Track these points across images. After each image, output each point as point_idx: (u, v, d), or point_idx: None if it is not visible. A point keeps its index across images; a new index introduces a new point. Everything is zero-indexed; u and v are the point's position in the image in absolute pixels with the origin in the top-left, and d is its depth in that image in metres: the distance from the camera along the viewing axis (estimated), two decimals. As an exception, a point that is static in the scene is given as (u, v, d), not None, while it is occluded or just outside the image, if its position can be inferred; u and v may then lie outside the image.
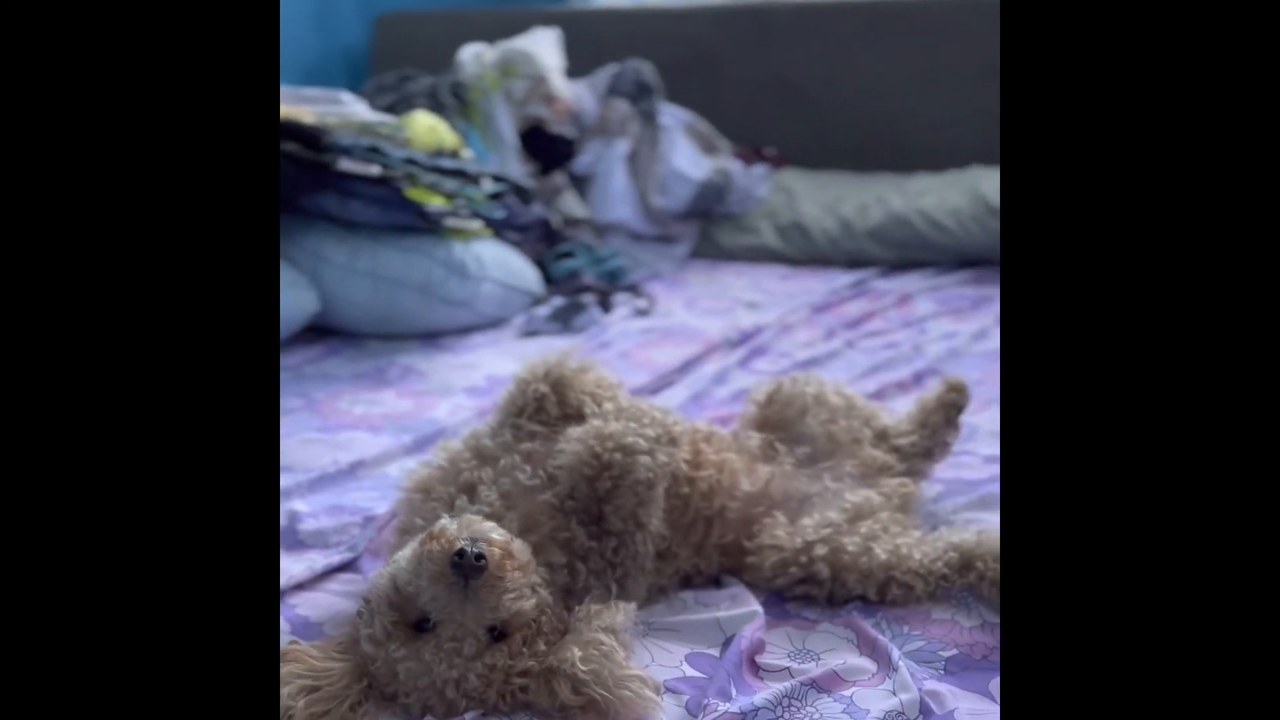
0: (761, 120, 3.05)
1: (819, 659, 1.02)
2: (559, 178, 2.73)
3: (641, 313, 2.28)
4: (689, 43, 3.08)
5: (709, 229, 2.79)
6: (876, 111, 2.97)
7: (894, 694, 0.95)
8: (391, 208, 2.06)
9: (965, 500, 1.32)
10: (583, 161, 2.78)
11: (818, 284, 2.47)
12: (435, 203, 2.09)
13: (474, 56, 2.82)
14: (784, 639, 1.06)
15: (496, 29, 3.00)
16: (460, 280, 2.09)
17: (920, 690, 0.95)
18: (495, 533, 0.94)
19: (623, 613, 0.97)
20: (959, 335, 2.05)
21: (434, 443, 1.39)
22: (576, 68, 2.93)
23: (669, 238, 2.75)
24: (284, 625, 1.05)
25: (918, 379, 1.82)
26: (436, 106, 2.65)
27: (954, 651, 1.03)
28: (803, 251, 2.68)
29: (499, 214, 2.24)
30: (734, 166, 2.79)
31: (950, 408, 1.33)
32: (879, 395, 1.72)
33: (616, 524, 1.04)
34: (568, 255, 2.48)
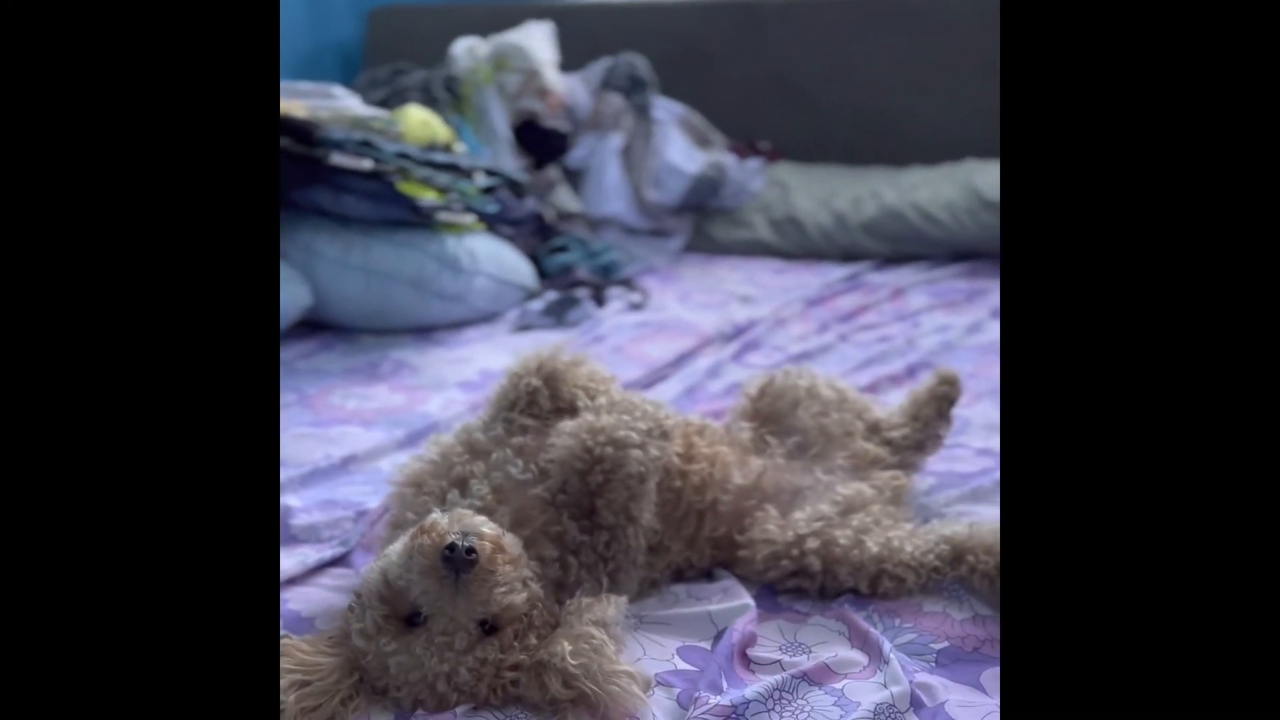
0: (755, 114, 3.04)
1: (810, 652, 1.02)
2: (552, 172, 2.72)
3: (635, 307, 2.27)
4: (682, 36, 3.07)
5: (703, 223, 2.79)
6: (870, 105, 2.97)
7: (885, 686, 0.95)
8: (384, 202, 2.06)
9: (957, 493, 1.32)
10: (576, 155, 2.77)
11: (811, 278, 2.47)
12: (428, 197, 2.09)
13: (467, 50, 2.82)
14: (775, 632, 1.06)
15: (489, 23, 3.00)
16: (453, 275, 2.08)
17: (911, 682, 0.95)
18: (486, 527, 0.94)
19: (614, 606, 0.97)
20: (952, 328, 2.05)
21: (426, 437, 1.39)
22: (570, 61, 2.92)
23: (663, 232, 2.75)
24: (275, 620, 1.05)
25: (911, 372, 1.83)
26: (429, 101, 2.64)
27: (945, 644, 1.03)
28: (797, 245, 2.68)
29: (492, 208, 2.23)
30: (728, 160, 2.78)
31: (942, 400, 1.33)
32: (872, 388, 1.73)
33: (608, 518, 1.04)
34: (561, 249, 2.47)
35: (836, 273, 2.50)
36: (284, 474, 1.39)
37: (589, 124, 2.79)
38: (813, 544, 1.10)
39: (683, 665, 1.00)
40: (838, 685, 0.96)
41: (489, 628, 0.92)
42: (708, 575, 1.16)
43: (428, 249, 2.08)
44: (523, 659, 0.92)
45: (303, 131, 2.00)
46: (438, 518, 0.94)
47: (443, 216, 2.10)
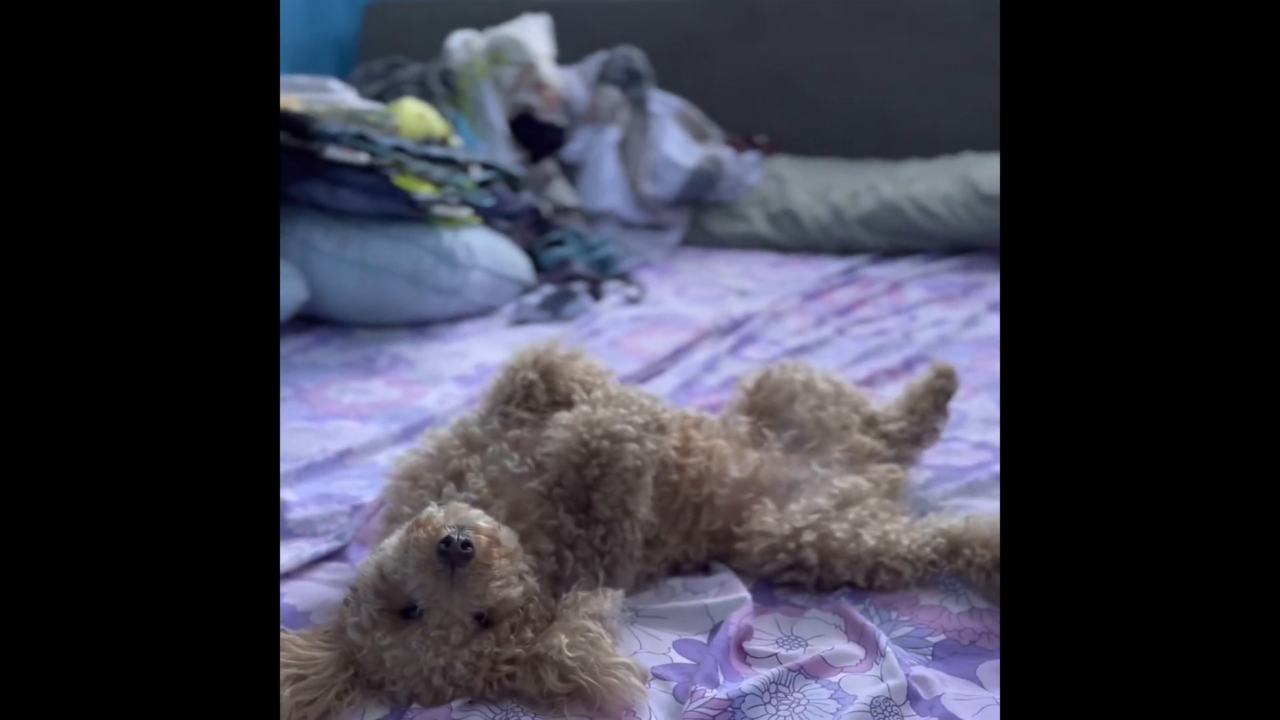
0: (752, 108, 3.04)
1: (807, 645, 1.02)
2: (549, 165, 2.72)
3: (632, 301, 2.27)
4: (679, 30, 3.06)
5: (700, 216, 2.78)
6: (867, 99, 2.96)
7: (881, 680, 0.95)
8: (380, 196, 2.05)
9: (954, 486, 1.32)
10: (573, 149, 2.77)
11: (808, 271, 2.47)
12: (424, 191, 2.08)
13: (463, 44, 2.81)
14: (772, 625, 1.06)
15: (486, 16, 2.99)
16: (449, 268, 2.08)
17: (908, 675, 0.95)
18: (482, 520, 0.94)
19: (610, 600, 0.97)
20: (949, 322, 2.05)
21: (422, 431, 1.39)
22: (566, 55, 2.91)
23: (660, 225, 2.74)
24: (271, 614, 1.05)
25: (908, 366, 1.82)
26: (426, 94, 2.64)
27: (942, 637, 1.03)
28: (793, 239, 2.68)
29: (488, 202, 2.23)
30: (725, 154, 2.78)
31: (939, 394, 1.33)
32: (869, 382, 1.72)
33: (605, 512, 1.04)
34: (558, 243, 2.47)
35: (833, 266, 2.50)
36: (280, 468, 1.39)
37: (585, 118, 2.79)
38: (809, 537, 1.10)
39: (679, 659, 1.00)
40: (834, 678, 0.96)
41: (485, 621, 0.92)
42: (704, 569, 1.16)
43: (424, 243, 2.08)
44: (519, 653, 0.92)
45: (298, 125, 1.99)
46: (433, 511, 0.94)
47: (439, 210, 2.10)
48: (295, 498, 1.31)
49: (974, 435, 1.50)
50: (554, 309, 2.17)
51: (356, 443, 1.49)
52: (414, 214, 2.08)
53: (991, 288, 2.25)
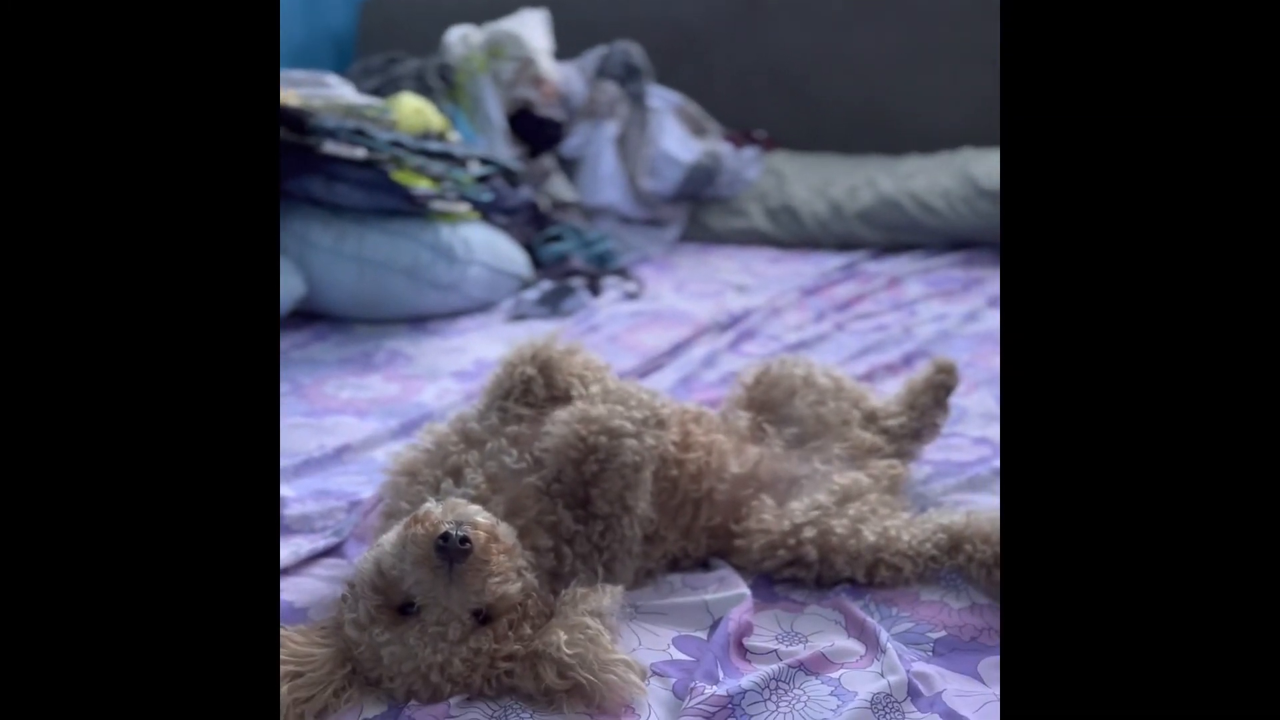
0: (751, 102, 3.03)
1: (807, 641, 1.02)
2: (547, 160, 2.71)
3: (630, 296, 2.26)
4: (678, 24, 3.06)
5: (698, 212, 2.77)
6: (866, 94, 2.96)
7: (882, 676, 0.95)
8: (378, 191, 2.05)
9: (954, 482, 1.32)
10: (571, 144, 2.76)
11: (807, 267, 2.46)
12: (422, 185, 2.07)
13: (461, 38, 2.80)
14: (772, 621, 1.06)
15: (484, 11, 2.98)
16: (447, 264, 2.07)
17: (908, 672, 0.94)
18: (480, 516, 0.93)
19: (609, 596, 0.96)
20: (949, 317, 2.05)
21: (420, 427, 1.38)
22: (564, 50, 2.90)
23: (658, 221, 2.74)
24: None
25: (907, 361, 1.82)
26: (423, 89, 2.62)
27: (942, 633, 1.03)
28: (792, 234, 2.67)
29: (486, 197, 2.22)
30: (724, 149, 2.77)
31: (939, 389, 1.32)
32: (868, 377, 1.72)
33: (603, 507, 1.03)
34: (556, 239, 2.46)
35: (832, 262, 2.49)
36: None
37: (584, 112, 2.78)
38: (809, 533, 1.09)
39: (678, 655, 0.99)
40: (835, 675, 0.96)
41: (483, 618, 0.91)
42: (704, 565, 1.16)
43: (422, 238, 2.07)
44: (517, 649, 0.91)
45: (296, 120, 1.98)
46: (431, 507, 0.93)
47: (437, 205, 2.09)
48: (293, 494, 1.31)
49: (974, 430, 1.49)
50: (552, 304, 2.16)
51: (354, 438, 1.49)
52: (412, 209, 2.07)
53: (991, 283, 2.25)
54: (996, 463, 1.33)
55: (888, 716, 0.90)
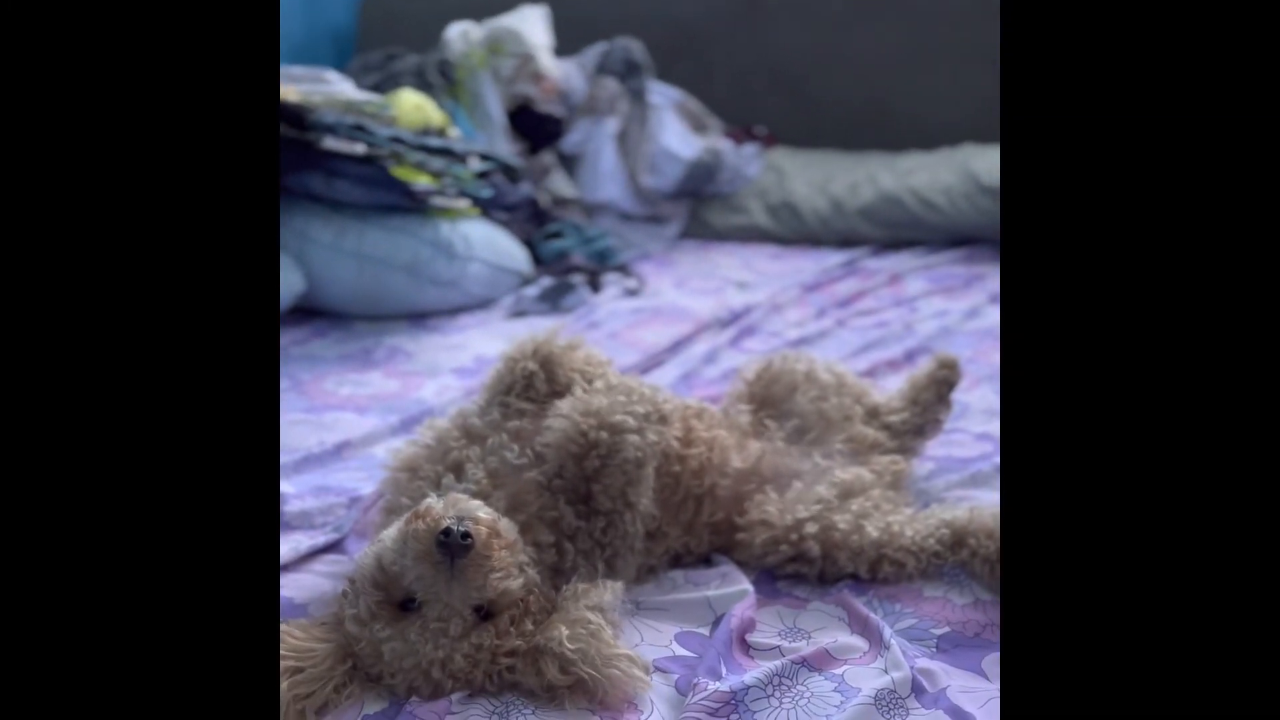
0: (752, 99, 3.02)
1: (810, 637, 1.01)
2: (547, 157, 2.70)
3: (631, 293, 2.26)
4: (679, 21, 3.05)
5: (699, 209, 2.77)
6: (867, 90, 2.95)
7: (886, 672, 0.94)
8: (378, 187, 2.04)
9: (957, 477, 1.31)
10: (571, 140, 2.75)
11: (808, 263, 2.46)
12: (422, 181, 2.07)
13: (461, 34, 2.79)
14: (774, 617, 1.05)
15: (484, 7, 2.97)
16: (448, 260, 2.07)
17: (912, 668, 0.94)
18: (482, 511, 0.93)
19: (610, 591, 0.96)
20: (950, 313, 2.04)
21: (421, 423, 1.37)
22: (565, 46, 2.90)
23: (659, 217, 2.73)
24: (268, 606, 1.04)
25: (909, 357, 1.81)
26: (423, 85, 2.62)
27: (946, 629, 1.02)
28: (793, 231, 2.67)
29: (486, 193, 2.21)
30: (724, 146, 2.76)
31: (942, 384, 1.32)
32: (870, 374, 1.72)
33: (605, 503, 1.02)
34: (556, 235, 2.46)
35: (833, 258, 2.49)
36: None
37: (584, 109, 2.77)
38: (812, 528, 1.09)
39: (681, 651, 0.99)
40: (838, 671, 0.95)
41: (484, 614, 0.91)
42: (706, 560, 1.15)
43: (422, 234, 2.06)
44: (519, 645, 0.91)
45: (295, 116, 1.97)
46: (432, 502, 0.93)
47: (437, 201, 2.08)
48: (293, 490, 1.30)
49: (976, 427, 1.49)
50: (553, 301, 2.16)
51: (354, 435, 1.48)
52: (412, 205, 2.06)
53: (993, 279, 2.24)
54: (999, 459, 1.33)
55: (892, 713, 0.90)
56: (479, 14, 2.92)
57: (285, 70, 2.20)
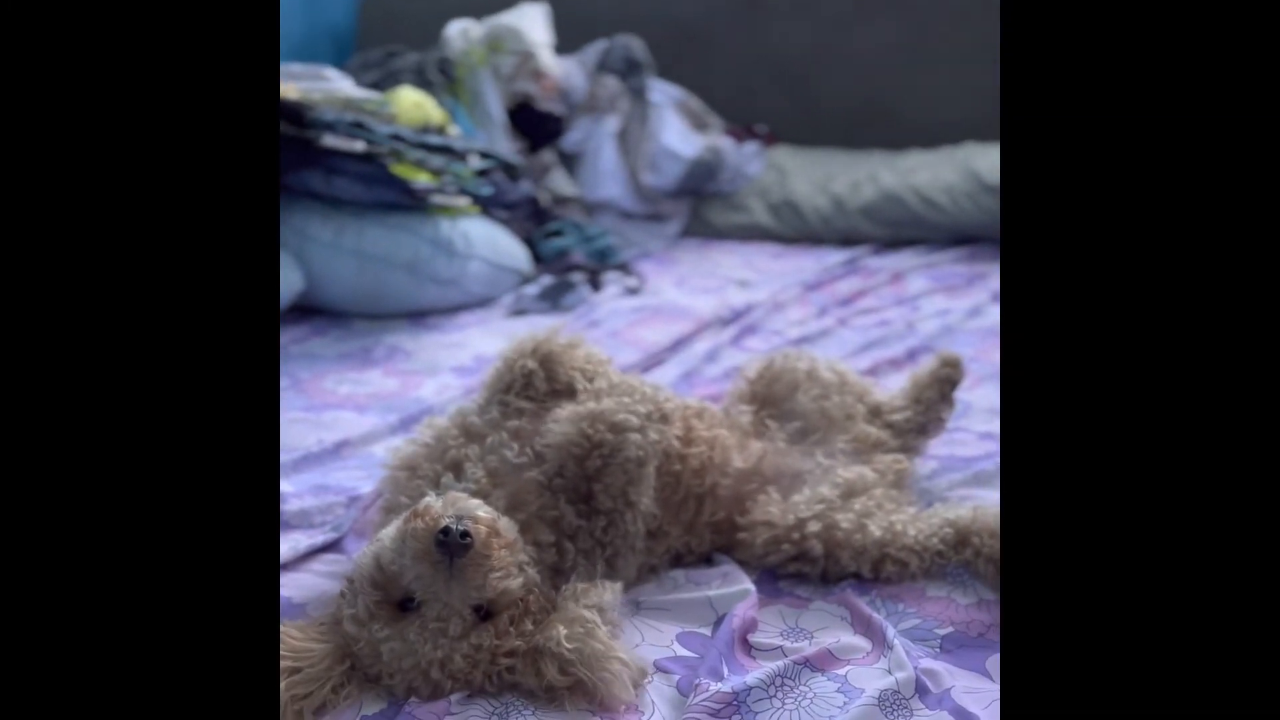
0: (753, 97, 3.02)
1: (812, 637, 1.01)
2: (548, 155, 2.69)
3: (632, 291, 2.25)
4: (679, 19, 3.04)
5: (700, 207, 2.76)
6: (868, 88, 2.94)
7: (889, 672, 0.93)
8: (377, 184, 2.03)
9: (960, 476, 1.31)
10: (572, 139, 2.74)
11: (810, 262, 2.45)
12: (422, 179, 2.06)
13: (461, 32, 2.79)
14: (776, 617, 1.04)
15: (484, 5, 2.96)
16: (447, 258, 2.06)
17: (916, 668, 0.93)
18: (481, 510, 0.92)
19: (610, 591, 0.95)
20: (952, 312, 2.04)
21: (420, 422, 1.37)
22: (565, 44, 2.89)
23: (659, 216, 2.72)
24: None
25: (911, 356, 1.81)
26: (423, 83, 2.61)
27: (950, 629, 1.02)
28: (795, 229, 2.66)
29: (487, 191, 2.21)
30: (725, 144, 2.76)
31: (945, 383, 1.31)
32: (872, 372, 1.71)
33: (606, 503, 1.02)
34: (557, 234, 2.45)
35: (835, 257, 2.48)
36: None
37: (584, 107, 2.77)
38: (814, 527, 1.08)
39: (682, 652, 0.98)
40: (841, 671, 0.95)
41: (484, 613, 0.90)
42: (707, 560, 1.14)
43: (421, 232, 2.06)
44: (518, 645, 0.90)
45: (294, 113, 1.97)
46: (432, 501, 0.92)
47: (437, 199, 2.08)
48: (292, 489, 1.29)
49: (979, 426, 1.48)
50: (553, 299, 2.15)
51: (354, 433, 1.48)
52: (411, 203, 2.06)
53: (995, 278, 2.24)
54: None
55: (895, 713, 0.89)
56: (479, 11, 2.91)
57: (285, 68, 2.20)
